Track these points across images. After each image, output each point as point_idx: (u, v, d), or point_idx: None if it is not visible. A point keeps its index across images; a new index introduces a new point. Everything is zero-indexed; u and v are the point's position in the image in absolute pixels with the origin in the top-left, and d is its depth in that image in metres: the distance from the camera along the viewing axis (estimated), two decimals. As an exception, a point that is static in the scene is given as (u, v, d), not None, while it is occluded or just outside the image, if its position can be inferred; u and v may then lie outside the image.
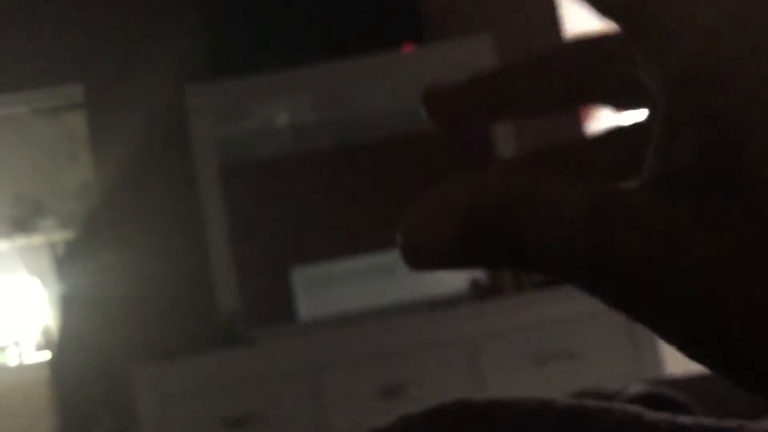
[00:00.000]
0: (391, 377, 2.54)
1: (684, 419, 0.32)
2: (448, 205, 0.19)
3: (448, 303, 2.80)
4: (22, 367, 4.71)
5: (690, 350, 0.18)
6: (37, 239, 4.70)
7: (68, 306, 3.18)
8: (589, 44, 0.25)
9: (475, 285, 2.85)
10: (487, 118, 0.26)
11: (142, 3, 3.13)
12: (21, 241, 4.73)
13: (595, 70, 0.25)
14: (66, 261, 3.31)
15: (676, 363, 2.58)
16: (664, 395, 0.79)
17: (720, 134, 0.17)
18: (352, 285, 2.99)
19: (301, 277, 2.99)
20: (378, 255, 2.99)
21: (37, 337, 4.93)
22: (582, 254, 0.18)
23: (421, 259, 0.19)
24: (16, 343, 4.91)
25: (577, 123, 3.11)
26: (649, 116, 0.24)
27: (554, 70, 0.25)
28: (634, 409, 0.33)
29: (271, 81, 3.01)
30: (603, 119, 4.74)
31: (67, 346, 3.15)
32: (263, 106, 3.09)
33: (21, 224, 4.67)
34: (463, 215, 0.18)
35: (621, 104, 0.26)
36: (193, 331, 2.91)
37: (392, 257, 2.99)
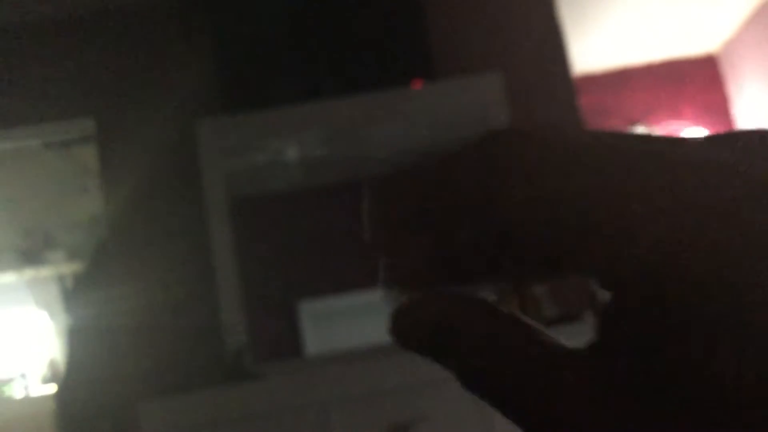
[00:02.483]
0: (399, 414, 2.53)
1: None
2: (414, 323, 0.23)
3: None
4: (27, 400, 4.70)
5: None
6: (45, 271, 4.72)
7: (75, 339, 3.18)
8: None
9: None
10: None
11: (153, 37, 3.16)
12: (29, 273, 4.74)
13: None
14: (74, 294, 3.31)
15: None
16: None
17: (668, 325, 0.17)
18: (360, 320, 2.98)
19: (309, 311, 2.98)
20: (386, 290, 2.99)
21: (44, 369, 4.92)
22: (508, 402, 0.20)
23: (408, 349, 0.24)
24: (23, 376, 4.90)
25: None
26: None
27: None
28: None
29: (281, 116, 3.03)
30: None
31: (73, 379, 3.14)
32: (273, 141, 3.11)
33: (30, 257, 4.69)
34: (425, 335, 0.22)
35: None
36: (199, 366, 2.90)
37: (400, 292, 2.99)
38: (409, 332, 0.23)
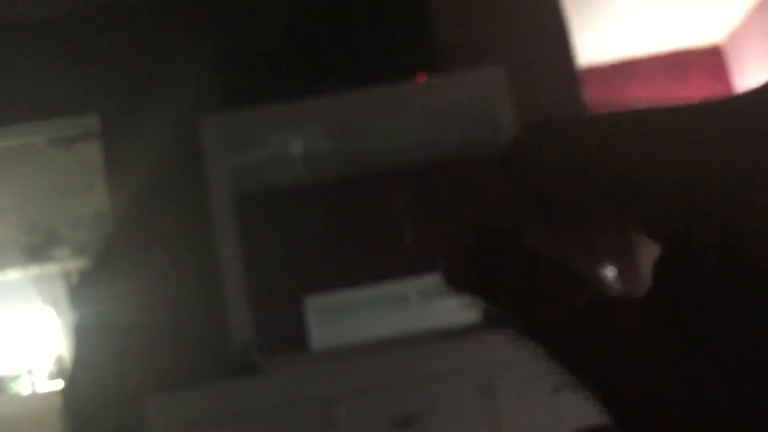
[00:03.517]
0: (404, 407, 2.53)
1: None
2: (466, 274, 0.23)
3: (462, 332, 2.79)
4: (34, 396, 4.71)
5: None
6: (51, 268, 4.72)
7: (81, 335, 3.18)
8: None
9: (488, 314, 2.84)
10: None
11: (157, 34, 3.16)
12: (35, 269, 4.75)
13: None
14: (80, 290, 3.32)
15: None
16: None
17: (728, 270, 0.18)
18: (365, 314, 2.98)
19: (314, 306, 2.99)
20: (391, 284, 2.99)
21: (50, 366, 4.93)
22: (570, 347, 0.20)
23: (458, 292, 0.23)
24: (29, 372, 4.91)
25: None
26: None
27: None
28: None
29: (284, 111, 3.03)
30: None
31: (79, 375, 3.15)
32: (277, 136, 3.11)
33: (36, 253, 4.69)
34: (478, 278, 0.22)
35: None
36: (205, 361, 2.90)
37: (405, 286, 2.99)
38: (461, 279, 0.23)
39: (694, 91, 4.73)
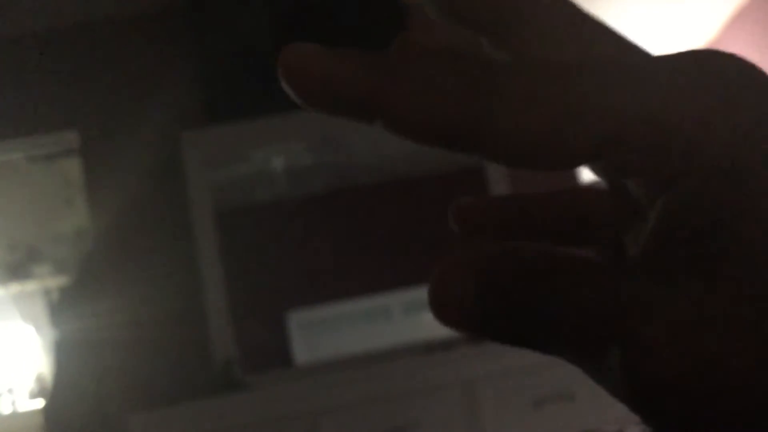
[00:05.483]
0: (388, 421, 2.52)
1: None
2: (468, 270, 0.18)
3: (445, 346, 2.79)
4: (15, 415, 4.67)
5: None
6: (31, 286, 4.69)
7: (62, 353, 3.16)
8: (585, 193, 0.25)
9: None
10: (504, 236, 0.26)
11: (137, 49, 3.16)
12: (15, 287, 4.72)
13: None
14: (60, 307, 3.30)
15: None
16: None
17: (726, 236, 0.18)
18: (349, 328, 2.98)
19: (297, 321, 2.98)
20: (374, 298, 2.99)
21: (31, 384, 4.89)
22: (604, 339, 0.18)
23: (447, 318, 0.19)
24: (10, 391, 4.87)
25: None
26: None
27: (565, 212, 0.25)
28: None
29: (266, 126, 3.03)
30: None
31: (61, 393, 3.12)
32: (259, 151, 3.11)
33: (15, 271, 4.66)
34: (482, 282, 0.18)
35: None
36: (188, 378, 2.89)
37: (388, 300, 2.99)
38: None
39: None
